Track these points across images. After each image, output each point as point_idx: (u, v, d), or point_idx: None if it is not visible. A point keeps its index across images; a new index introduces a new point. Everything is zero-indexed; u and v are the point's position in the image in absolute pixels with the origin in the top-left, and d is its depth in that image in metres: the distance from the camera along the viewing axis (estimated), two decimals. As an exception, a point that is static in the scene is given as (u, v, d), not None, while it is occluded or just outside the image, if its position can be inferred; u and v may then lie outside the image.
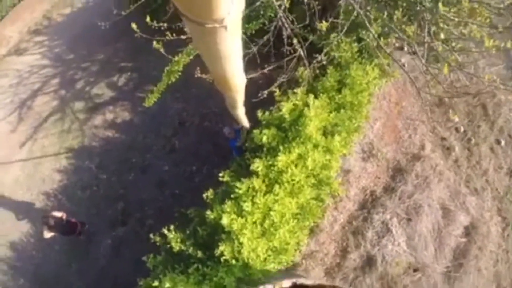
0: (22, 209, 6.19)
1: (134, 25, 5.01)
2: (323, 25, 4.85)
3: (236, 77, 1.86)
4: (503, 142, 5.99)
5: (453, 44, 5.42)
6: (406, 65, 6.15)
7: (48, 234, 5.64)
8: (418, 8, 5.16)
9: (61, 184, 6.26)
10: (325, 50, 5.09)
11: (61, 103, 6.35)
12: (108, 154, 6.29)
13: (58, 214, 5.68)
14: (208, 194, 4.90)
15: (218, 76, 1.80)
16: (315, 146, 4.88)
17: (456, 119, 6.20)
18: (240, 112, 3.73)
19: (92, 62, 6.64)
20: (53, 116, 6.30)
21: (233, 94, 2.08)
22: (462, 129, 6.14)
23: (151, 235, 4.99)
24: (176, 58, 5.27)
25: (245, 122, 4.73)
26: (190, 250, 4.82)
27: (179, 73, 5.29)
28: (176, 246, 4.83)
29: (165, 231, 4.81)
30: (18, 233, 6.18)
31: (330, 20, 5.02)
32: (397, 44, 6.52)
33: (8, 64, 6.77)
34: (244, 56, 5.11)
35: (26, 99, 6.39)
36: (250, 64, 5.28)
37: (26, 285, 6.02)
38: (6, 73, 6.61)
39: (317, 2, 5.12)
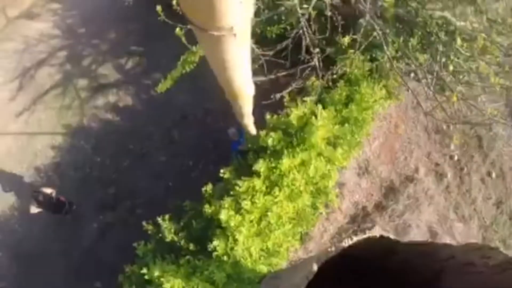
0: (10, 181, 6.01)
1: (159, 8, 4.92)
2: (345, 40, 4.99)
3: (244, 86, 1.86)
4: (493, 175, 6.25)
5: (460, 76, 5.65)
6: (410, 91, 6.35)
7: (35, 210, 5.50)
8: (433, 38, 5.36)
9: (53, 161, 6.12)
10: (340, 65, 5.23)
11: (65, 78, 6.22)
12: (105, 137, 6.20)
13: (48, 190, 5.55)
14: (207, 188, 4.93)
15: (226, 85, 1.78)
16: (319, 154, 4.99)
17: (452, 147, 6.44)
18: (248, 121, 3.73)
19: (103, 40, 6.54)
20: (55, 90, 6.16)
21: (241, 103, 2.09)
22: (456, 158, 6.38)
23: (144, 223, 4.95)
24: (194, 49, 5.26)
25: (253, 131, 4.75)
26: (182, 242, 4.83)
27: (195, 64, 5.29)
28: (169, 236, 4.82)
29: (159, 220, 4.80)
30: (2, 204, 5.99)
31: (351, 36, 5.16)
32: (404, 70, 6.73)
33: (17, 27, 6.58)
34: (258, 60, 5.16)
35: (29, 67, 6.23)
36: (263, 68, 5.35)
37: (5, 259, 5.83)
38: (13, 37, 6.42)
39: (340, 17, 5.23)
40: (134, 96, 6.27)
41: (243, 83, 1.80)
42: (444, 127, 6.42)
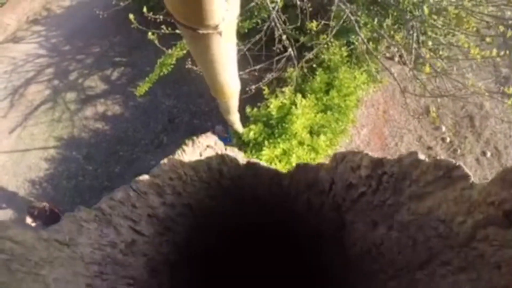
0: (5, 196, 6.16)
1: (131, 16, 5.08)
2: (313, 25, 5.00)
3: (230, 83, 1.88)
4: (489, 154, 6.06)
5: (441, 52, 5.57)
6: (395, 74, 6.27)
7: (31, 224, 5.61)
8: (407, 16, 5.31)
9: (47, 173, 6.24)
10: (314, 51, 5.23)
11: (54, 93, 6.39)
12: (96, 145, 6.31)
13: (41, 204, 5.65)
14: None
15: (213, 82, 1.82)
16: (300, 143, 4.94)
17: (443, 129, 6.29)
18: (234, 118, 3.75)
19: (87, 55, 6.72)
20: (45, 105, 6.33)
21: (228, 100, 2.11)
22: (448, 140, 6.22)
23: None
24: (170, 51, 5.35)
25: (239, 127, 4.75)
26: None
27: (172, 66, 5.37)
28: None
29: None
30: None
31: (321, 22, 5.17)
32: (387, 54, 6.69)
33: (4, 51, 6.84)
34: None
35: (19, 86, 6.43)
36: (240, 63, 5.38)
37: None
38: (1, 59, 6.67)
39: (309, 5, 5.25)
40: (122, 104, 6.38)
41: (229, 79, 1.84)
42: (433, 108, 6.30)
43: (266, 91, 5.30)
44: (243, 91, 5.19)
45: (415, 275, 1.39)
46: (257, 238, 2.89)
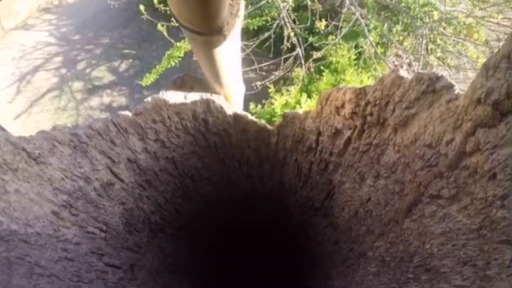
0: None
1: (142, 7, 5.13)
2: (322, 24, 4.99)
3: (234, 86, 1.88)
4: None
5: (449, 61, 5.51)
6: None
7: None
8: (418, 23, 5.28)
9: (48, 160, 6.22)
10: (322, 51, 5.20)
11: (61, 81, 6.41)
12: (99, 136, 6.29)
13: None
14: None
15: (217, 85, 1.81)
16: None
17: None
18: None
19: (97, 45, 6.76)
20: (51, 93, 6.34)
21: (231, 102, 2.10)
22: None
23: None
24: (178, 44, 5.37)
25: None
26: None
27: (179, 59, 5.38)
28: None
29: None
30: None
31: (331, 23, 5.17)
32: (396, 63, 6.65)
33: (14, 37, 6.90)
34: (243, 51, 5.21)
35: (26, 73, 6.46)
36: (248, 60, 5.39)
37: None
38: (10, 46, 6.71)
39: (320, 6, 5.26)
40: (128, 96, 6.37)
41: (233, 82, 1.84)
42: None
43: (272, 89, 5.26)
44: (249, 88, 5.19)
45: (403, 225, 1.29)
46: (245, 217, 2.81)
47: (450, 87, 0.93)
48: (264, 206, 2.55)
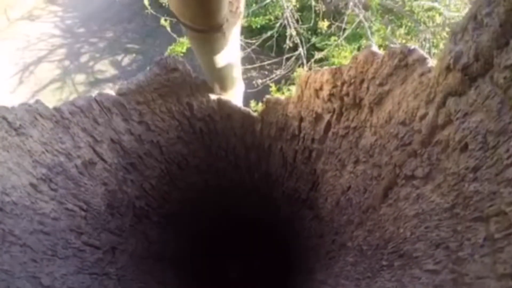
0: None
1: (146, 2, 5.15)
2: (324, 24, 4.99)
3: (234, 84, 1.88)
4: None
5: (452, 66, 5.47)
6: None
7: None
8: (421, 27, 5.27)
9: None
10: (325, 51, 5.19)
11: (63, 73, 6.43)
12: (99, 130, 6.30)
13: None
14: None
15: (217, 82, 1.81)
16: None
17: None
18: None
19: (101, 39, 6.78)
20: (53, 85, 6.35)
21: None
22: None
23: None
24: (181, 39, 5.38)
25: None
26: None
27: (182, 54, 5.38)
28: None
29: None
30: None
31: (335, 24, 5.17)
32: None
33: (19, 28, 6.93)
34: (244, 50, 5.21)
35: (30, 64, 6.48)
36: (250, 58, 5.39)
37: None
38: (15, 36, 6.74)
39: (324, 7, 5.26)
40: (129, 91, 6.38)
41: (233, 80, 1.83)
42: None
43: (273, 88, 5.25)
44: (250, 86, 5.18)
45: (380, 211, 1.27)
46: (234, 209, 2.79)
47: (423, 60, 0.91)
48: (253, 199, 2.53)
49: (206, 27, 1.24)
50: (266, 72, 5.87)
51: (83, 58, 6.58)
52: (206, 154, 2.08)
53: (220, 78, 1.74)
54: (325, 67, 1.28)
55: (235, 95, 2.05)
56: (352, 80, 1.15)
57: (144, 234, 2.23)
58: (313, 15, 5.29)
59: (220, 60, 1.51)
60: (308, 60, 5.32)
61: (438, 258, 0.97)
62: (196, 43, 1.46)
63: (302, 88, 1.46)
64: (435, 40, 5.28)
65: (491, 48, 0.70)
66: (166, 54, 5.45)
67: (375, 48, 1.06)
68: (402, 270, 1.12)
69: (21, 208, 1.35)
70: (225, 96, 1.81)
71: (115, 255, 1.94)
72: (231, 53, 1.53)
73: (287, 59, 5.41)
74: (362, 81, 1.12)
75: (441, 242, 0.96)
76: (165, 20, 5.11)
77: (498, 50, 0.69)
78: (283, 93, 5.14)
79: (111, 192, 1.79)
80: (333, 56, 5.44)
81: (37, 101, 1.44)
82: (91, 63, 6.54)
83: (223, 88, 1.85)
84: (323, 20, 5.10)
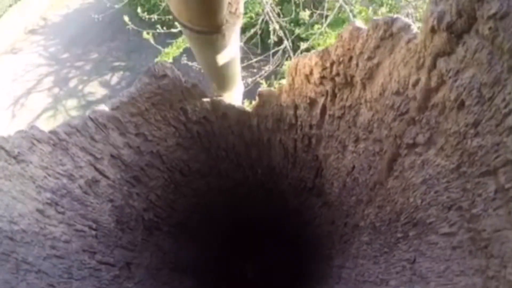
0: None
1: (126, 17, 5.15)
2: (306, 14, 5.00)
3: (234, 84, 1.89)
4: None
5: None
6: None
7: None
8: (402, 2, 5.27)
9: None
10: (310, 41, 5.19)
11: (54, 101, 6.43)
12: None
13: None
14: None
15: (216, 83, 1.82)
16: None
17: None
18: None
19: (86, 61, 6.78)
20: (46, 113, 6.35)
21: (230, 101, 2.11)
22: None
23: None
24: (166, 50, 5.38)
25: None
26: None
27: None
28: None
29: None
30: None
31: (316, 12, 5.17)
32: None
33: (3, 62, 6.93)
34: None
35: (20, 96, 6.48)
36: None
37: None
38: (0, 71, 6.76)
39: (303, -3, 5.27)
40: (122, 109, 6.38)
41: (232, 81, 1.84)
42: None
43: (264, 84, 5.25)
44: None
45: (387, 185, 1.27)
46: (240, 208, 2.79)
47: (407, 27, 0.91)
48: (258, 195, 2.53)
49: (206, 28, 1.24)
50: (255, 70, 5.86)
51: (72, 83, 6.58)
52: (206, 157, 2.08)
53: (220, 78, 1.76)
54: (312, 51, 1.28)
55: (235, 96, 2.06)
56: (341, 59, 1.14)
57: (157, 245, 2.23)
58: (293, 7, 5.29)
59: (220, 61, 1.52)
60: (294, 52, 5.32)
61: (452, 220, 0.97)
62: (195, 44, 1.46)
63: (292, 76, 1.46)
64: (417, 15, 5.28)
65: (472, 2, 0.70)
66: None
67: (358, 23, 1.06)
68: (418, 239, 1.12)
69: (31, 235, 1.35)
70: (225, 97, 1.81)
71: (131, 270, 1.94)
72: (231, 54, 1.53)
73: (274, 54, 5.41)
74: (350, 58, 1.12)
75: (452, 203, 0.95)
76: (148, 33, 5.12)
77: (479, 2, 0.69)
78: (274, 88, 5.14)
79: (118, 208, 1.79)
80: (319, 45, 5.44)
81: (32, 127, 1.43)
82: (80, 87, 6.55)
83: (223, 88, 1.86)
84: (304, 10, 5.10)
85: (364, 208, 1.50)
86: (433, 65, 0.84)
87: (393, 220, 1.25)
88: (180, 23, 1.25)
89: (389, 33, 0.95)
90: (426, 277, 1.04)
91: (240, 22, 1.35)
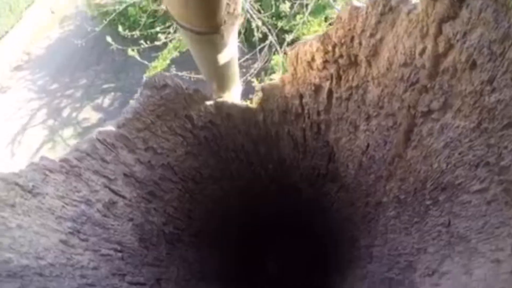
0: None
1: (109, 38, 5.13)
2: (286, 6, 5.00)
3: (232, 84, 1.87)
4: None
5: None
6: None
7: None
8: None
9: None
10: (294, 33, 5.19)
11: (51, 133, 6.40)
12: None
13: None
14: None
15: (215, 84, 1.80)
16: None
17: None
18: None
19: (76, 88, 6.76)
20: (44, 147, 6.33)
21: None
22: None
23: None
24: (153, 64, 5.37)
25: None
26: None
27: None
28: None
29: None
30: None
31: (296, 2, 5.16)
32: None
33: (-7, 104, 6.93)
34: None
35: (16, 134, 6.46)
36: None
37: None
38: (-9, 112, 6.75)
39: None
40: (118, 130, 6.36)
41: (231, 81, 1.83)
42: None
43: (256, 82, 5.25)
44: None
45: (406, 157, 1.27)
46: (256, 207, 2.78)
47: None
48: (272, 190, 2.52)
49: (205, 29, 1.24)
50: (244, 70, 5.85)
51: (65, 112, 6.56)
52: (216, 160, 2.07)
53: (220, 78, 1.75)
54: (312, 35, 1.27)
55: (233, 96, 2.05)
56: (343, 40, 1.14)
57: (181, 257, 2.22)
58: (272, 1, 5.29)
59: (218, 61, 1.51)
60: (281, 46, 5.31)
61: (482, 177, 0.96)
62: (195, 45, 1.46)
63: (293, 65, 1.45)
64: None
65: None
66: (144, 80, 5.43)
67: (356, 2, 1.06)
68: (449, 201, 1.12)
69: (60, 268, 1.34)
70: (224, 97, 1.81)
71: (161, 285, 1.93)
72: (230, 53, 1.53)
73: (260, 50, 5.41)
74: (352, 38, 1.11)
75: (479, 161, 0.95)
76: (132, 50, 5.11)
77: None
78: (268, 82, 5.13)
79: (139, 226, 1.78)
80: (303, 34, 5.44)
81: (42, 158, 1.42)
82: (74, 114, 6.53)
83: (223, 88, 1.85)
84: (284, 2, 5.10)
85: (385, 184, 1.49)
86: (439, 31, 0.84)
87: (419, 189, 1.25)
88: (179, 24, 1.25)
89: (388, 8, 0.95)
90: (465, 236, 1.03)
91: (238, 22, 1.35)
